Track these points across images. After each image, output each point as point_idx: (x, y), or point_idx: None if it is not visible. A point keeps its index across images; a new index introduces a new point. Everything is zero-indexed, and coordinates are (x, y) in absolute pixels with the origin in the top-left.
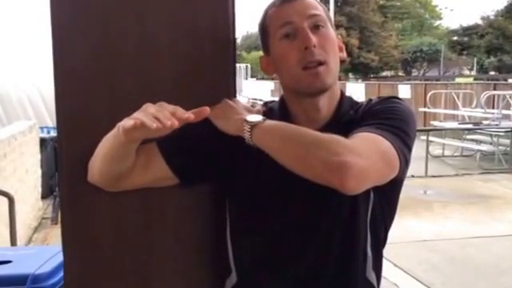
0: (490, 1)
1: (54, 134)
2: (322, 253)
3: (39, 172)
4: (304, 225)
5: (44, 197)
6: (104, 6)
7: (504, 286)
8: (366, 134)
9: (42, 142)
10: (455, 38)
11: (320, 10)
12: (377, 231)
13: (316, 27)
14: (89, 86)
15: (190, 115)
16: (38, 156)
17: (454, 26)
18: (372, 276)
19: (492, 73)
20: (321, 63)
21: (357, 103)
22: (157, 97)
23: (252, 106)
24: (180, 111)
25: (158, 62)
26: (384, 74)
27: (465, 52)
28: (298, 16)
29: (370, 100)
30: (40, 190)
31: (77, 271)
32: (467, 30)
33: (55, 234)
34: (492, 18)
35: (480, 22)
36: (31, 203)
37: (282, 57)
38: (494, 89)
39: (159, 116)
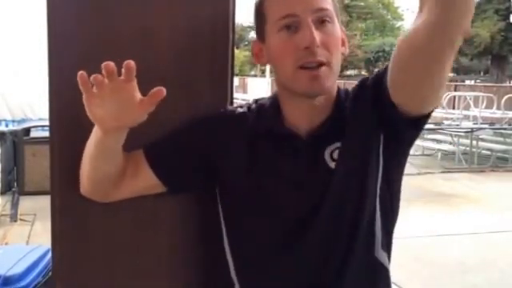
0: None
1: (12, 127)
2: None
3: None
4: (303, 219)
5: (2, 193)
6: (102, 1)
7: (470, 283)
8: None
9: (1, 135)
10: None
11: (329, 2)
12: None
13: (322, 22)
14: None
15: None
16: None
17: None
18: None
19: (450, 74)
20: (322, 64)
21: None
22: None
23: (238, 106)
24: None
25: (156, 62)
26: (348, 72)
27: None
28: (303, 8)
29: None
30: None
31: (67, 277)
32: None
33: (15, 231)
34: None
35: None
36: None
37: (279, 51)
38: (455, 90)
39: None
